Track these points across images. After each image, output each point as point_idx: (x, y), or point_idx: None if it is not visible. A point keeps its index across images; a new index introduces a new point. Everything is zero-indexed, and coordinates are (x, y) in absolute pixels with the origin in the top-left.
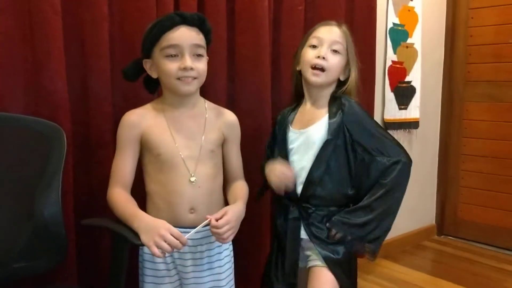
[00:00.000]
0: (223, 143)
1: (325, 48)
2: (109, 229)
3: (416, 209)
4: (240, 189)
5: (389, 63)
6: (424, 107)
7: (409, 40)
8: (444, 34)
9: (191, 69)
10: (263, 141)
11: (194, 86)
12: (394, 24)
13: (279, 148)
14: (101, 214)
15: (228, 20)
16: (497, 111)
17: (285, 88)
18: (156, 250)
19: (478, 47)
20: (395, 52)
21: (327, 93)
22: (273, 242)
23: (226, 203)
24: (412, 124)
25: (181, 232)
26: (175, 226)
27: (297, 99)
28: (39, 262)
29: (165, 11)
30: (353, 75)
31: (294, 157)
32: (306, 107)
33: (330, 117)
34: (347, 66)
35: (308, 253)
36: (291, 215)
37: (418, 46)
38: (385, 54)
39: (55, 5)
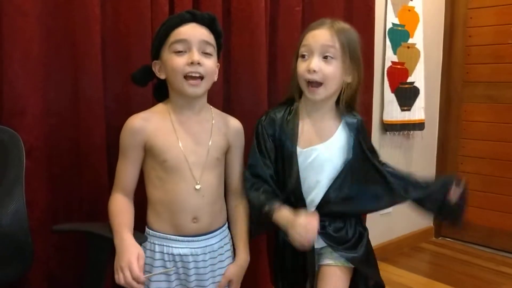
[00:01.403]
0: (227, 151)
1: (316, 58)
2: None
3: (413, 210)
4: (243, 221)
5: (388, 63)
6: None
7: (410, 40)
8: (442, 34)
9: (199, 64)
10: None
11: (201, 88)
12: (393, 24)
13: (287, 166)
14: (95, 219)
15: (224, 21)
16: (496, 112)
17: (282, 89)
18: (116, 278)
19: (477, 48)
20: (395, 53)
21: (331, 103)
22: (277, 249)
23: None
24: (416, 126)
25: (184, 240)
26: (177, 235)
27: (290, 102)
28: (5, 272)
29: (159, 12)
30: (355, 77)
31: (304, 174)
32: (311, 120)
33: (345, 132)
34: (350, 66)
35: (320, 252)
36: None
37: (420, 46)
38: (383, 54)
39: (22, 6)
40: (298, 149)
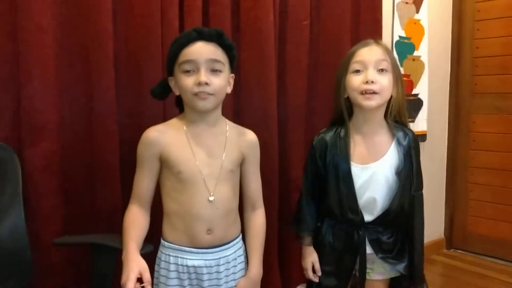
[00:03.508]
0: (241, 164)
1: (371, 70)
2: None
3: (424, 222)
4: (258, 233)
5: None
6: (431, 120)
7: (415, 53)
8: (450, 46)
9: (206, 84)
10: (269, 158)
11: (210, 103)
12: (400, 37)
13: (342, 184)
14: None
15: (233, 36)
16: (505, 123)
17: (291, 103)
18: None
19: (485, 59)
20: (401, 65)
21: (381, 115)
22: (325, 257)
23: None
24: (419, 137)
25: (199, 252)
26: (191, 247)
27: (338, 123)
28: (4, 286)
29: (170, 28)
30: (399, 91)
31: (361, 191)
32: (363, 136)
33: (399, 149)
34: (395, 82)
35: (369, 266)
36: (356, 236)
37: (424, 59)
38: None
39: (41, 23)
40: (353, 167)
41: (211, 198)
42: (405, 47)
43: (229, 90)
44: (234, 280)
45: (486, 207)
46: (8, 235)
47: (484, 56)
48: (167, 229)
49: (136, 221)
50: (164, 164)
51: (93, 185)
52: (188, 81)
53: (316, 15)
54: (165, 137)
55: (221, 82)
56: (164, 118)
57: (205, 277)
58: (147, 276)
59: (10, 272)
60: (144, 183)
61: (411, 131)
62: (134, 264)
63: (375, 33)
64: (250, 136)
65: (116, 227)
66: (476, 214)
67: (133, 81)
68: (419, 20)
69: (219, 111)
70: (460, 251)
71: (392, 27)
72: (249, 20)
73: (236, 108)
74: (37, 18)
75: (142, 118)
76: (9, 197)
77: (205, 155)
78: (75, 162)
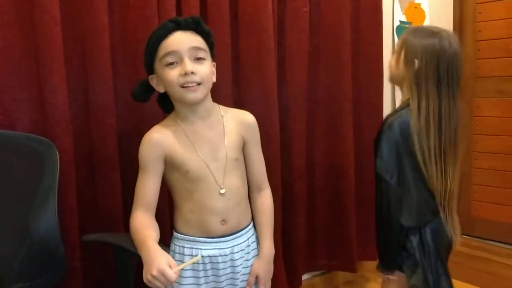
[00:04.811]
0: (243, 147)
1: None
2: (111, 244)
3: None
4: (265, 213)
5: None
6: None
7: None
8: (451, 30)
9: (193, 73)
10: (272, 148)
11: (200, 93)
12: (401, 22)
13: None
14: (108, 229)
15: (232, 26)
16: (509, 106)
17: (292, 92)
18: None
19: (487, 42)
20: None
21: None
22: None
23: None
24: None
25: (212, 241)
26: (206, 237)
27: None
28: (38, 282)
29: (167, 18)
30: None
31: None
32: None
33: None
34: None
35: None
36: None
37: None
38: (393, 52)
39: (56, 16)
40: None
41: (222, 191)
42: None
43: (214, 79)
44: (249, 267)
45: (490, 191)
46: (44, 230)
47: (487, 39)
48: (180, 223)
49: (147, 224)
50: (170, 165)
51: (94, 180)
52: (172, 74)
53: (315, 2)
54: (167, 138)
55: (207, 70)
56: (163, 112)
57: (221, 265)
58: (174, 265)
59: (44, 268)
60: (150, 187)
61: None
62: (162, 256)
63: (375, 18)
64: (248, 117)
65: (118, 221)
66: (481, 199)
67: (131, 74)
68: (419, 4)
69: (209, 100)
70: (465, 236)
71: (393, 12)
72: (248, 9)
73: (236, 98)
74: (53, 12)
75: (140, 110)
76: (46, 191)
77: (208, 150)
78: (78, 157)
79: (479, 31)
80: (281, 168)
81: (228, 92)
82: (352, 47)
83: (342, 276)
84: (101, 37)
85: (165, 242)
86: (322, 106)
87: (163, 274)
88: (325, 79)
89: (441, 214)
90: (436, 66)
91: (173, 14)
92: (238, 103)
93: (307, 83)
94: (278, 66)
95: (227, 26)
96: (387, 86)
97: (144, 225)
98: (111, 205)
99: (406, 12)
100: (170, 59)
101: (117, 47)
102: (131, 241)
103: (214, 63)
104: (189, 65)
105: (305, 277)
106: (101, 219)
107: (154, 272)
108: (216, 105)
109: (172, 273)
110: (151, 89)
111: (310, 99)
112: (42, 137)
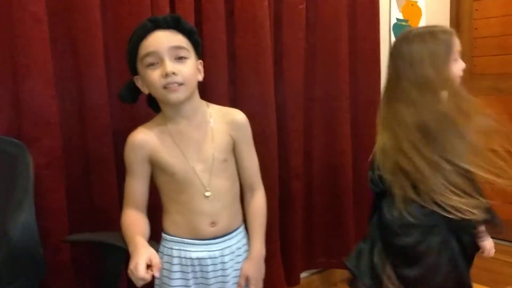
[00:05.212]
0: (233, 147)
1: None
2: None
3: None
4: (257, 214)
5: None
6: None
7: None
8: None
9: (174, 73)
10: (268, 146)
11: (182, 93)
12: (397, 19)
13: None
14: (105, 229)
15: (228, 22)
16: (505, 104)
17: (289, 90)
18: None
19: (484, 40)
20: None
21: None
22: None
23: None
24: None
25: (202, 243)
26: (196, 239)
27: None
28: (17, 285)
29: (160, 15)
30: None
31: None
32: None
33: None
34: None
35: None
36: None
37: None
38: (389, 50)
39: (36, 14)
40: None
41: (207, 194)
42: (403, 30)
43: (200, 77)
44: (237, 270)
45: (487, 188)
46: (20, 232)
47: (483, 37)
48: (168, 224)
49: (137, 220)
50: (156, 167)
51: (90, 179)
52: (154, 75)
53: None
54: (152, 138)
55: (189, 70)
56: None
57: (210, 268)
58: (156, 260)
59: (23, 270)
60: (136, 189)
61: None
62: (143, 250)
63: (372, 16)
64: (237, 116)
65: (114, 221)
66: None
67: (125, 71)
68: (416, 2)
69: (196, 100)
70: None
71: (390, 9)
72: (243, 6)
73: (232, 96)
74: (32, 8)
75: (135, 108)
76: (21, 193)
77: (194, 151)
78: (73, 156)
79: (476, 28)
80: (279, 167)
81: (224, 90)
82: (349, 44)
83: (340, 274)
84: (94, 34)
85: (158, 239)
86: (319, 104)
87: (136, 269)
88: (322, 76)
89: None
90: None
91: (166, 11)
92: (234, 101)
93: (304, 80)
94: (274, 63)
95: (222, 23)
96: (384, 83)
97: (133, 221)
98: (108, 204)
99: (403, 9)
100: (150, 59)
101: (110, 44)
102: (119, 238)
103: (200, 61)
104: (169, 66)
105: (303, 275)
106: (98, 219)
107: (131, 266)
108: (204, 104)
109: (141, 272)
110: (138, 90)
111: (307, 97)
112: (14, 139)
